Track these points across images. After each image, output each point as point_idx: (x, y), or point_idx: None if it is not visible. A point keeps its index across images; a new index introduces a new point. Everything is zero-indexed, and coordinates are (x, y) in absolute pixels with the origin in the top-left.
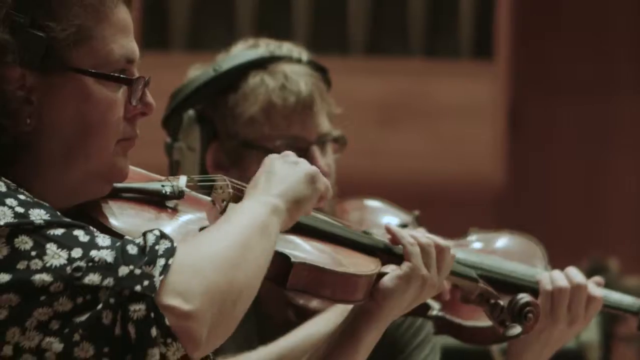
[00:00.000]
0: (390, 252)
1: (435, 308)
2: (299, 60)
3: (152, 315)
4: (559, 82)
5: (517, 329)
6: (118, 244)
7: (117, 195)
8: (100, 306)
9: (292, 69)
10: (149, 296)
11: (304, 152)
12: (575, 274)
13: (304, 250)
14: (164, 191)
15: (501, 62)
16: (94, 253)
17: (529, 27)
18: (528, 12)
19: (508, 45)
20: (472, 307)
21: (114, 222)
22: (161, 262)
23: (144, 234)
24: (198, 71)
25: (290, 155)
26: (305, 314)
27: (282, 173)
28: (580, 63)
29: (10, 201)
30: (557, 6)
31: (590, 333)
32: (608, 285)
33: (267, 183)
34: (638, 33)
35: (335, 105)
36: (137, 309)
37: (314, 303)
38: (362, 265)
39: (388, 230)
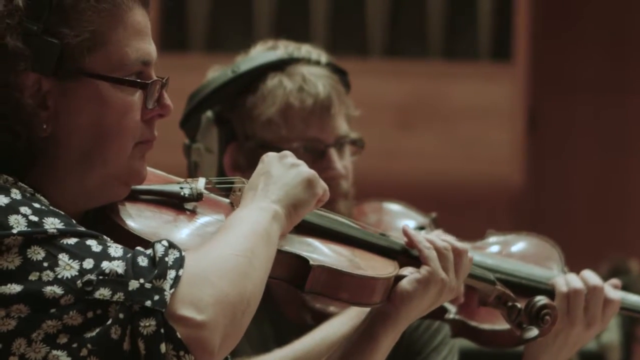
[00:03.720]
0: (408, 255)
1: (452, 311)
2: (317, 63)
3: (162, 330)
4: (577, 83)
5: (534, 332)
6: (129, 255)
7: (135, 197)
8: (109, 321)
9: (311, 71)
10: (159, 311)
11: (321, 154)
12: (591, 276)
13: (322, 252)
14: (182, 193)
15: (519, 64)
16: (105, 265)
17: (547, 29)
18: (546, 14)
19: (526, 47)
20: (489, 310)
21: (132, 224)
22: (171, 274)
23: (153, 245)
24: (216, 73)
25: (288, 156)
26: (322, 317)
27: (281, 177)
28: (598, 64)
29: (24, 209)
30: (575, 7)
31: (611, 334)
32: (629, 286)
33: (266, 187)
34: None
35: (353, 107)
36: (147, 324)
37: (331, 306)
38: (379, 268)
39: (405, 233)
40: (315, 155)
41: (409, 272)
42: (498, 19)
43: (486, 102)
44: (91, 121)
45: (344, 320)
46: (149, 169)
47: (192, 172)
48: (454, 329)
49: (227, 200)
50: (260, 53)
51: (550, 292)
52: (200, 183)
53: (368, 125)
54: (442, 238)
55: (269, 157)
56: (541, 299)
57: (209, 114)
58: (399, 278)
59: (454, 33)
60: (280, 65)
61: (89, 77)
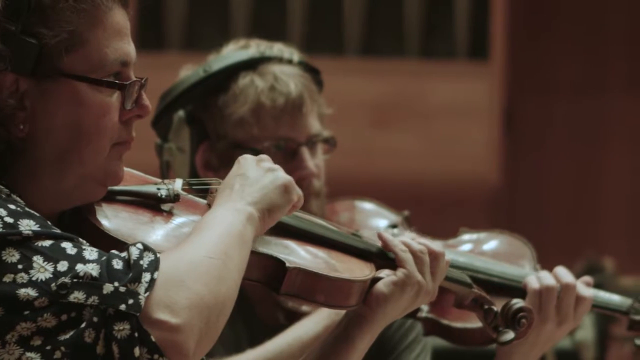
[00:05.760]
0: (384, 257)
1: (424, 309)
2: (289, 61)
3: (136, 334)
4: (554, 82)
5: (510, 335)
6: (104, 258)
7: (112, 198)
8: (83, 324)
9: (282, 70)
10: (134, 315)
11: (293, 153)
12: (564, 273)
13: (298, 255)
14: (159, 194)
15: (496, 63)
16: (79, 267)
17: (524, 28)
18: (523, 13)
19: (503, 46)
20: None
21: (108, 225)
22: (146, 277)
23: (127, 248)
24: (188, 72)
25: (265, 160)
26: (295, 317)
27: (257, 180)
28: (575, 63)
29: None
30: (552, 6)
31: (586, 332)
32: (603, 285)
33: (241, 188)
34: (632, 32)
35: (326, 106)
36: (122, 328)
37: (304, 306)
38: (356, 270)
39: (380, 237)
40: (287, 154)
41: (385, 274)
42: (475, 18)
43: (463, 100)
44: (68, 122)
45: (316, 320)
46: (126, 169)
47: (164, 171)
48: (426, 327)
49: (204, 201)
50: (232, 52)
51: (521, 289)
52: (177, 184)
53: (345, 124)
54: (418, 241)
55: (246, 159)
56: (517, 302)
57: (181, 113)
58: (375, 280)
59: (431, 32)
60: (252, 64)
61: (67, 78)
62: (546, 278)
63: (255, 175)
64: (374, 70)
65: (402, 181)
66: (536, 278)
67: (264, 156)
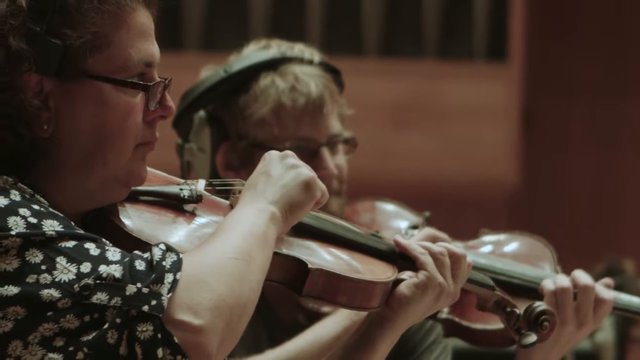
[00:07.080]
0: (406, 259)
1: (444, 310)
2: (310, 62)
3: (160, 335)
4: (573, 83)
5: (532, 338)
6: (127, 259)
7: (135, 198)
8: (106, 326)
9: (303, 70)
10: (157, 316)
11: (314, 153)
12: (581, 275)
13: (320, 256)
14: (182, 195)
15: (515, 64)
16: (102, 269)
17: (542, 29)
18: (542, 14)
19: (522, 47)
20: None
21: (131, 225)
22: (169, 278)
23: (150, 249)
24: (209, 72)
25: (289, 156)
26: (315, 317)
27: (279, 177)
28: (593, 64)
29: (23, 211)
30: (571, 8)
31: (605, 334)
32: (624, 287)
33: (264, 187)
34: None
35: (346, 106)
36: (145, 329)
37: (324, 306)
38: (378, 272)
39: (396, 243)
40: (308, 154)
41: (407, 276)
42: (494, 19)
43: (481, 102)
44: (92, 122)
45: (336, 321)
46: (149, 169)
47: (185, 171)
48: (446, 328)
49: (227, 202)
50: (253, 52)
51: (540, 291)
52: (200, 184)
53: (363, 125)
54: (438, 244)
55: (271, 156)
56: (540, 305)
57: (202, 113)
58: (397, 282)
59: (450, 33)
60: (273, 65)
61: (91, 79)
62: (561, 280)
63: (278, 173)
64: (393, 71)
65: (421, 182)
66: (551, 280)
67: (288, 152)
